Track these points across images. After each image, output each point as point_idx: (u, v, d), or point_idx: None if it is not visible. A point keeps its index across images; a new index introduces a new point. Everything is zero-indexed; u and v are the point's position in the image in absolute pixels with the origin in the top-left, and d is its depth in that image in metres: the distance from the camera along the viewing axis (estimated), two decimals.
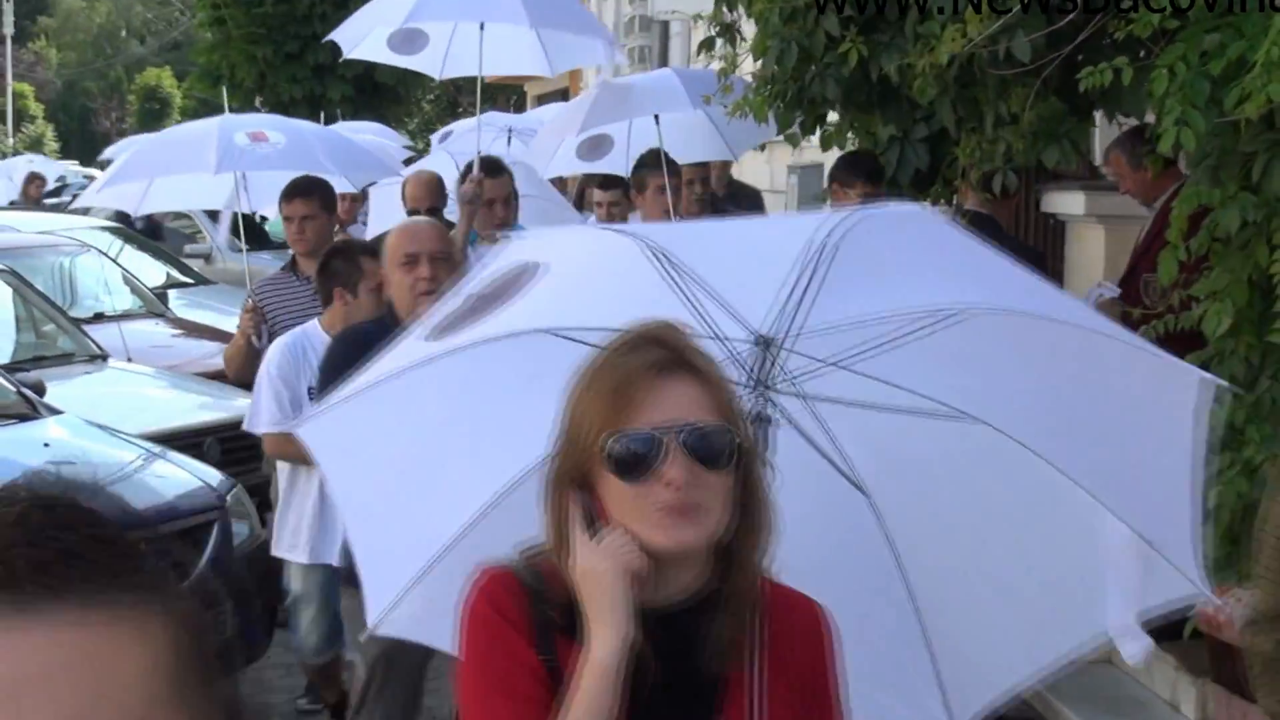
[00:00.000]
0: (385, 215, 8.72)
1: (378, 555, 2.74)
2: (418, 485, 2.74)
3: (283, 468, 5.82)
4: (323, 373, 4.86)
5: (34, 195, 19.47)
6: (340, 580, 5.59)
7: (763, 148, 9.84)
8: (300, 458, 5.72)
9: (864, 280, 2.59)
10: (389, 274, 4.86)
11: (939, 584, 2.79)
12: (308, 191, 6.86)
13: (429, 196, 7.93)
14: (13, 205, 17.95)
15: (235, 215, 8.21)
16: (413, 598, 2.66)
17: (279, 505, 5.87)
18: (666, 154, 7.76)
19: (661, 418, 2.15)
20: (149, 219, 15.66)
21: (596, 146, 8.78)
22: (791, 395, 2.72)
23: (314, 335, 5.68)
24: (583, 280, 2.69)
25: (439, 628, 2.51)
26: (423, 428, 2.74)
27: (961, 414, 2.66)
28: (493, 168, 7.38)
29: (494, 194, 7.20)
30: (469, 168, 7.47)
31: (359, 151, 9.07)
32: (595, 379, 2.21)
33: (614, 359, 2.20)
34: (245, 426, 5.84)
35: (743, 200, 9.30)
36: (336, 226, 9.78)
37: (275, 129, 7.94)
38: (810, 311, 2.55)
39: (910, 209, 3.31)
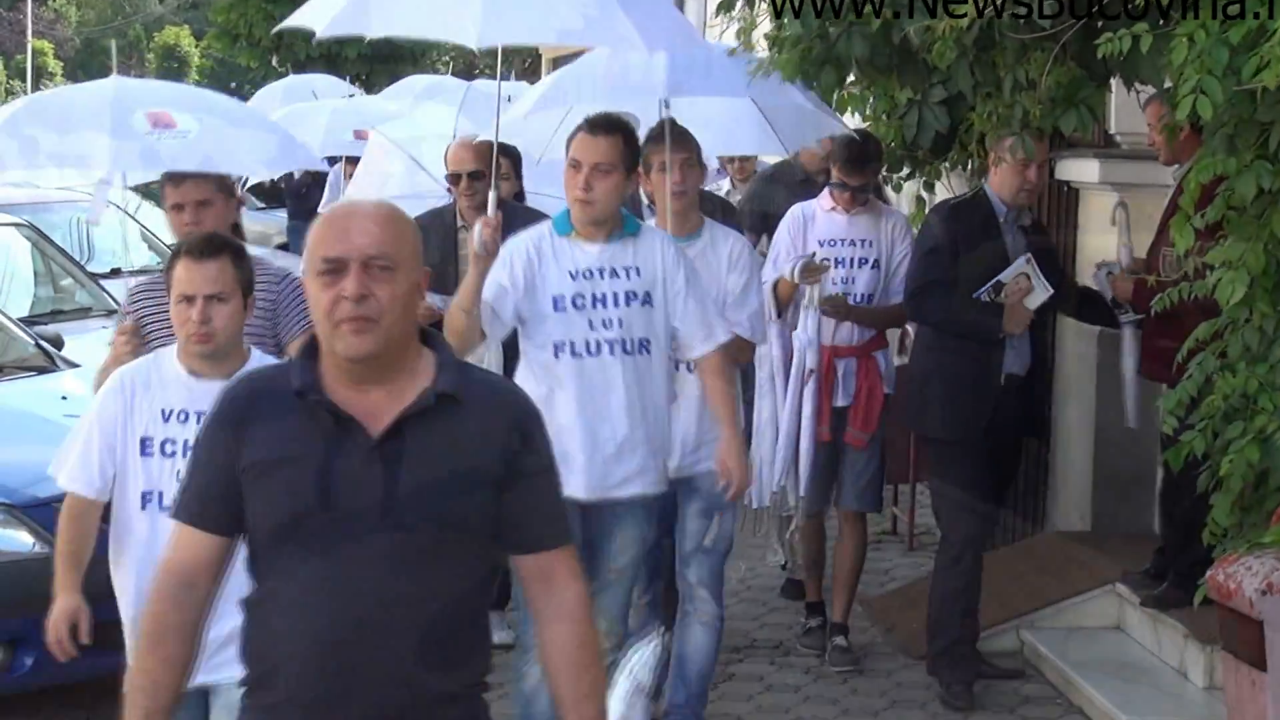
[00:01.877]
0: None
1: None
2: None
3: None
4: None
5: None
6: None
7: None
8: (88, 535, 4.14)
9: None
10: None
11: None
12: (203, 172, 5.33)
13: (476, 160, 6.51)
14: None
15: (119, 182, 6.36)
16: None
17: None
18: (674, 123, 5.95)
19: None
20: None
21: None
22: None
23: (166, 365, 4.23)
24: None
25: None
26: None
27: None
28: (598, 125, 5.23)
29: (597, 157, 5.11)
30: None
31: (289, 141, 6.82)
32: None
33: None
34: (50, 469, 4.35)
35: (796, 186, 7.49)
36: None
37: (184, 110, 6.12)
38: None
39: None
